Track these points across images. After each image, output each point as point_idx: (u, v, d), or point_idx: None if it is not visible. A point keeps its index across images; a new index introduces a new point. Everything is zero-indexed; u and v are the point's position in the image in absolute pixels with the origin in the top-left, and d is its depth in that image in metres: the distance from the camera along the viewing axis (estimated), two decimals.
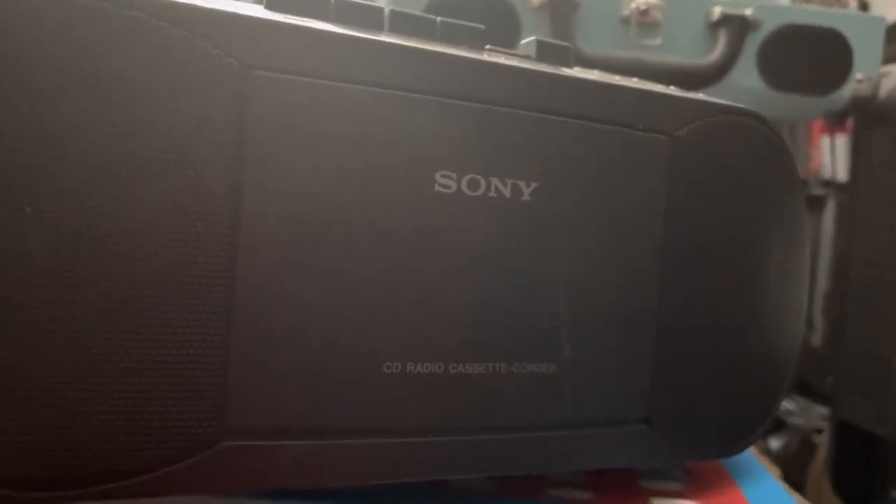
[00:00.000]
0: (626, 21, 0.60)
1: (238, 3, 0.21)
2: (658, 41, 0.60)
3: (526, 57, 0.26)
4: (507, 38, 0.55)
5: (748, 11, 0.61)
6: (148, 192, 0.19)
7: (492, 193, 0.23)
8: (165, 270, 0.19)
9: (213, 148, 0.20)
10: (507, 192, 0.23)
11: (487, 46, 0.25)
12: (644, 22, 0.60)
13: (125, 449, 0.19)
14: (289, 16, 0.21)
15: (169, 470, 0.20)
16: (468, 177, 0.23)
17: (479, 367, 0.23)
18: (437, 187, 0.22)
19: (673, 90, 0.27)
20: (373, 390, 0.22)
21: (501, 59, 0.24)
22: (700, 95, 0.28)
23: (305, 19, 0.21)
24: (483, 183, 0.23)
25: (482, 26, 0.25)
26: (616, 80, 0.26)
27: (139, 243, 0.19)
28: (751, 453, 0.34)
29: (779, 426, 1.12)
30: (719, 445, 0.28)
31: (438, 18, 0.24)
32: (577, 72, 0.26)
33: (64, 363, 0.19)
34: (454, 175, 0.22)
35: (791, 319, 0.29)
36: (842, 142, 1.16)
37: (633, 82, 0.27)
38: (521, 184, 0.23)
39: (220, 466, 0.20)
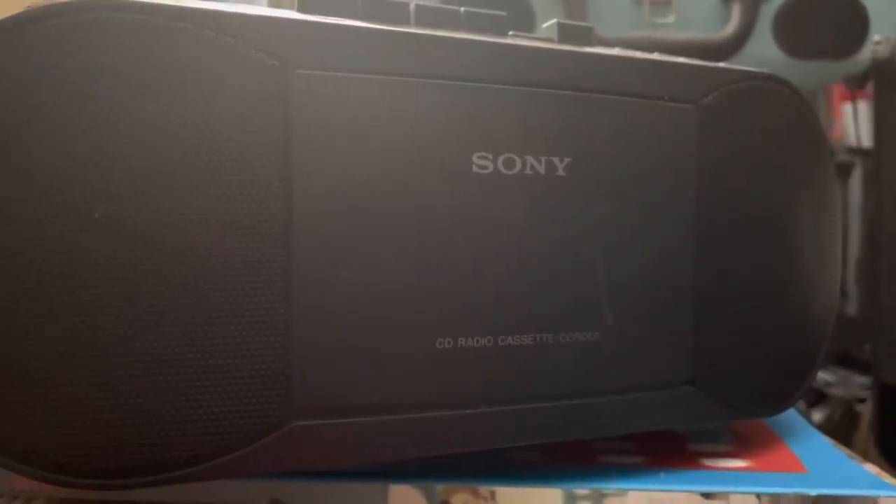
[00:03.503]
0: (638, 1, 0.60)
1: (274, 9, 0.22)
2: (671, 19, 0.61)
3: (548, 39, 0.27)
4: (521, 25, 0.55)
5: None
6: (205, 192, 0.20)
7: (527, 171, 0.24)
8: (226, 263, 0.21)
9: (263, 145, 0.21)
10: (541, 169, 0.24)
11: (511, 32, 0.26)
12: (656, 1, 0.60)
13: (199, 435, 0.21)
14: (322, 16, 0.22)
15: (242, 452, 0.21)
16: (504, 156, 0.23)
17: (526, 339, 0.24)
18: (474, 168, 0.23)
19: (695, 60, 0.28)
20: (426, 366, 0.23)
21: (527, 43, 0.25)
22: (722, 64, 0.28)
23: (338, 18, 0.22)
24: (518, 161, 0.24)
25: (504, 13, 0.26)
26: (637, 54, 0.27)
27: (203, 238, 0.20)
28: (795, 412, 0.35)
29: (820, 398, 1.11)
30: (764, 403, 0.29)
31: (462, 9, 0.25)
32: (600, 49, 0.27)
33: (138, 357, 0.20)
34: (490, 156, 0.23)
35: (826, 277, 0.30)
36: (864, 107, 1.15)
37: (656, 55, 0.28)
38: (555, 160, 0.24)
39: (289, 447, 0.21)
